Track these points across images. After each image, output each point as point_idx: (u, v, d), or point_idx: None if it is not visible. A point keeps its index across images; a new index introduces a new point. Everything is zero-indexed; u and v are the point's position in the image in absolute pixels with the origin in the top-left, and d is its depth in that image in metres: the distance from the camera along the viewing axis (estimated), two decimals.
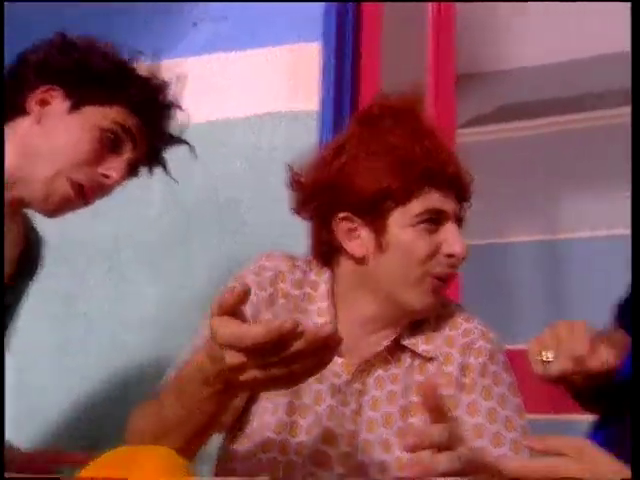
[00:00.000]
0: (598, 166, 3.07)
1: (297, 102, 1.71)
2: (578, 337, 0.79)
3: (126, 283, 1.69)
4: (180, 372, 0.74)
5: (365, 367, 0.91)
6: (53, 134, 0.96)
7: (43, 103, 0.97)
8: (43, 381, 1.64)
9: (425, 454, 0.59)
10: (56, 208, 0.97)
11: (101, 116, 0.96)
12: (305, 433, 0.88)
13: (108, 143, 0.97)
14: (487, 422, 0.86)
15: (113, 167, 0.97)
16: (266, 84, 1.74)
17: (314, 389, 0.90)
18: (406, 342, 0.91)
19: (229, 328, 0.60)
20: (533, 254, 3.18)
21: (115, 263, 1.71)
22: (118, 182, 0.98)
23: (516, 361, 0.94)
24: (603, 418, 0.89)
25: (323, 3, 1.72)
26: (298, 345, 0.60)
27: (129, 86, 0.99)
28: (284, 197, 1.64)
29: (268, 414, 0.89)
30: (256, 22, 1.77)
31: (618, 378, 0.86)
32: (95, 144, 0.96)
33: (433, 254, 0.88)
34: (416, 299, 0.89)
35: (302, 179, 0.96)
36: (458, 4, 1.98)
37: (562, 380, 0.80)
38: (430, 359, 0.90)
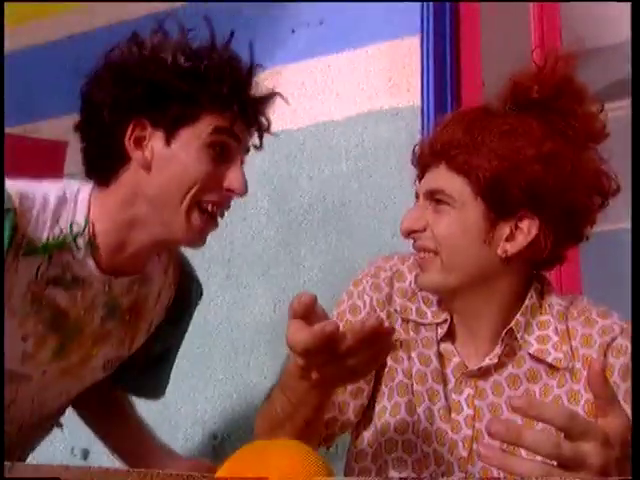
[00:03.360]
0: None
1: (398, 98, 1.70)
2: None
3: (241, 289, 1.76)
4: (286, 368, 0.76)
5: (478, 373, 0.88)
6: (166, 173, 0.92)
7: (138, 142, 0.92)
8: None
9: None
10: (198, 237, 0.95)
11: (199, 132, 0.92)
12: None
13: (219, 157, 0.92)
14: None
15: (234, 178, 0.93)
16: (365, 83, 1.74)
17: (428, 388, 0.89)
18: (533, 350, 0.85)
19: (289, 333, 0.64)
20: None
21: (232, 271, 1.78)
22: (243, 193, 0.94)
23: None
24: None
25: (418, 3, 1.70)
26: (348, 343, 0.63)
27: (209, 86, 0.91)
28: (392, 196, 1.63)
29: (387, 414, 0.89)
30: (352, 23, 1.78)
31: None
32: (208, 165, 0.92)
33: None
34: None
35: None
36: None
37: None
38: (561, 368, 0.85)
